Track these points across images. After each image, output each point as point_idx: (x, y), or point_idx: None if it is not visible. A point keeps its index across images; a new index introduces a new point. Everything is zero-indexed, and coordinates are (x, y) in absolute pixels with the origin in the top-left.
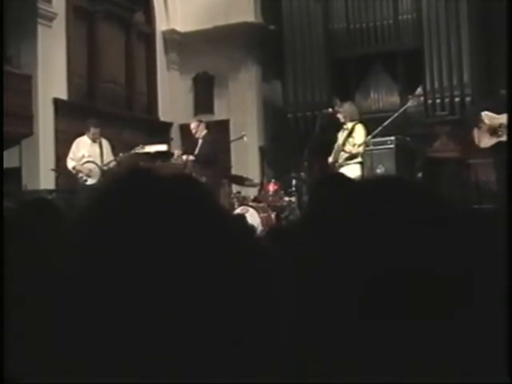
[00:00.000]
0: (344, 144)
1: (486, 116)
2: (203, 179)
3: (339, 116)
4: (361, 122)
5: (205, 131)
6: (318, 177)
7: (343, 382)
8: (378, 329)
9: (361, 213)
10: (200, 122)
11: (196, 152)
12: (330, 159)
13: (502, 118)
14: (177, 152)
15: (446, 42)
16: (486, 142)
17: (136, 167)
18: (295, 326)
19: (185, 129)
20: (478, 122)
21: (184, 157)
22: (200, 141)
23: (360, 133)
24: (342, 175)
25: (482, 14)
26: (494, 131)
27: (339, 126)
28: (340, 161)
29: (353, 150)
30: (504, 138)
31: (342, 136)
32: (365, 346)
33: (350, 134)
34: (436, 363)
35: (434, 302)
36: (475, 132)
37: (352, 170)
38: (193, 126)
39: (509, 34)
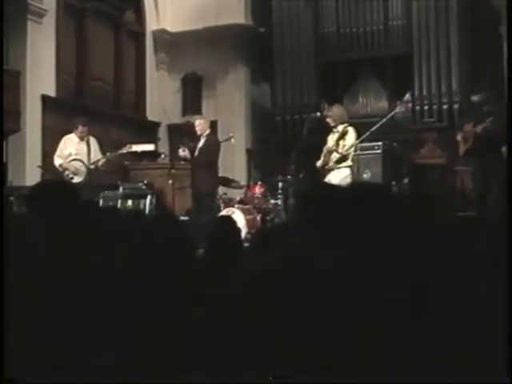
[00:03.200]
0: (336, 146)
1: (465, 126)
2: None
3: (328, 120)
4: (351, 124)
5: (208, 130)
6: (304, 188)
7: (343, 382)
8: (371, 329)
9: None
10: (203, 119)
11: (197, 150)
12: (320, 162)
13: (471, 126)
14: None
15: (436, 49)
16: (461, 149)
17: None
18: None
19: (172, 129)
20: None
21: (184, 153)
22: (202, 139)
23: (351, 135)
24: (326, 184)
25: (471, 22)
26: (466, 140)
27: (328, 130)
28: (330, 164)
29: (343, 151)
30: (470, 145)
31: (332, 139)
32: (356, 346)
33: (342, 137)
34: (436, 363)
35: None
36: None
37: (342, 174)
38: (197, 122)
39: (509, 37)
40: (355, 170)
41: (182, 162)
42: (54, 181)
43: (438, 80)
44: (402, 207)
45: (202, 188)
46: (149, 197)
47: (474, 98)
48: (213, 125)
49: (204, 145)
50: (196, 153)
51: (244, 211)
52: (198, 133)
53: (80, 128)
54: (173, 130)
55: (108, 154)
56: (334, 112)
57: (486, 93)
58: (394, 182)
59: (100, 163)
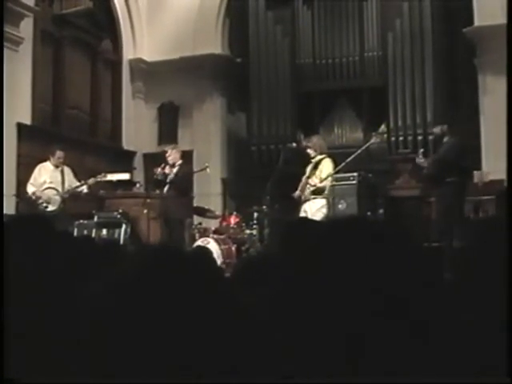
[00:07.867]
0: (309, 177)
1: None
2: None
3: (309, 151)
4: (329, 156)
5: (180, 160)
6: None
7: (343, 382)
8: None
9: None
10: (175, 149)
11: (169, 179)
12: (297, 192)
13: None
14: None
15: (411, 81)
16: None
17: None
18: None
19: (148, 158)
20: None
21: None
22: (175, 169)
23: (327, 167)
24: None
25: (446, 54)
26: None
27: (305, 160)
28: (306, 194)
29: (317, 183)
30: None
31: (309, 169)
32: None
33: (316, 167)
34: (436, 363)
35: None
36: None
37: (317, 205)
38: (169, 152)
39: (509, 43)
40: (330, 201)
41: (157, 191)
42: (26, 215)
43: (412, 111)
44: (376, 239)
45: (175, 215)
46: (124, 226)
47: (434, 130)
48: (188, 154)
49: (177, 174)
50: (168, 181)
51: (219, 241)
52: (170, 162)
53: (57, 153)
54: (148, 159)
55: (82, 182)
56: (313, 142)
57: (445, 125)
58: (369, 213)
59: (80, 189)
